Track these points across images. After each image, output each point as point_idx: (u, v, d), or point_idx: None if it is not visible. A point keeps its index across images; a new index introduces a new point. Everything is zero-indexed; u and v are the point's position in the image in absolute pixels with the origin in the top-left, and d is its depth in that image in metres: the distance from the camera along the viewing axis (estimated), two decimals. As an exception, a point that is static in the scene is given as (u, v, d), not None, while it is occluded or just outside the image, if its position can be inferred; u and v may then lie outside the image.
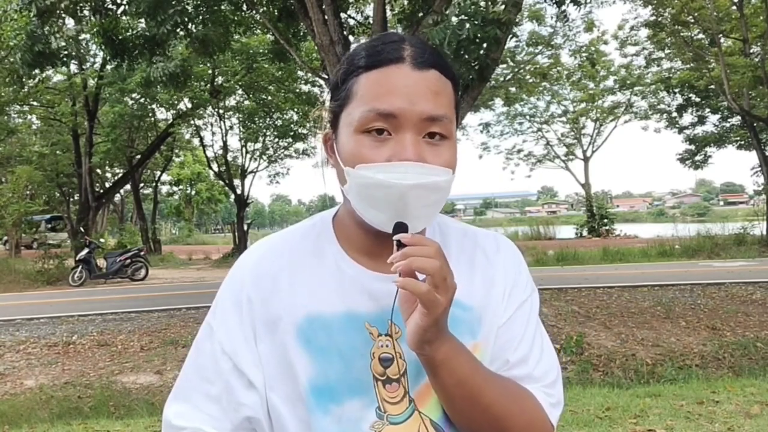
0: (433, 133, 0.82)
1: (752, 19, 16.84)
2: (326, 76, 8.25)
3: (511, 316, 0.91)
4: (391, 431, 0.84)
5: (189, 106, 20.94)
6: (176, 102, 20.85)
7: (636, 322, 7.88)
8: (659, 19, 17.89)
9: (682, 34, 18.23)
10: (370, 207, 0.81)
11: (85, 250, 15.06)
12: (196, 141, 27.08)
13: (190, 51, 10.26)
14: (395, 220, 0.79)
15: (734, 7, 16.86)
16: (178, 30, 8.83)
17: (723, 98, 18.14)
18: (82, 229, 18.71)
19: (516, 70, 21.31)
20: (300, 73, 18.78)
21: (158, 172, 31.53)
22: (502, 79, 20.74)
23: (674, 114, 25.36)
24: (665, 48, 20.70)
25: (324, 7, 7.43)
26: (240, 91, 21.33)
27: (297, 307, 0.87)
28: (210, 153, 25.23)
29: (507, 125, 30.49)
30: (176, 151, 29.58)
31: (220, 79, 20.03)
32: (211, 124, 24.41)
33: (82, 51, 16.75)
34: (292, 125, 22.61)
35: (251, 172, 25.41)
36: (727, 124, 24.07)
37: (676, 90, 23.20)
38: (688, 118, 25.06)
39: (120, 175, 25.73)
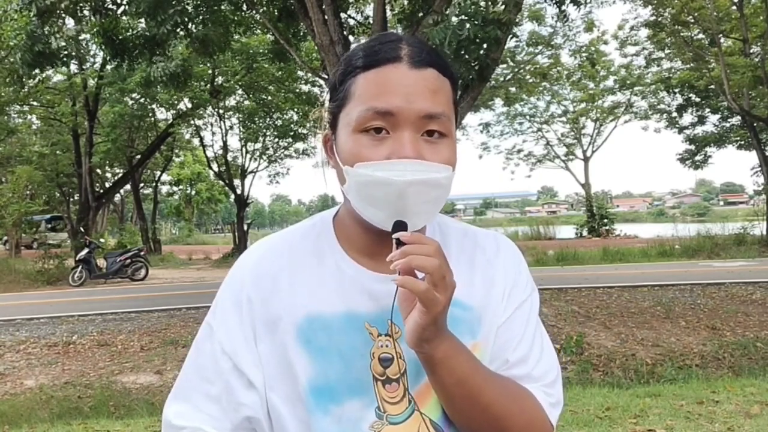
0: (432, 131, 0.82)
1: (752, 19, 16.84)
2: (326, 76, 8.25)
3: (511, 315, 0.91)
4: (391, 431, 0.85)
5: (189, 106, 20.94)
6: (176, 102, 20.85)
7: (636, 322, 7.88)
8: (659, 19, 17.89)
9: (682, 34, 18.23)
10: (369, 205, 0.81)
11: (85, 250, 15.07)
12: (196, 141, 27.10)
13: (190, 51, 10.26)
14: (395, 217, 0.79)
15: (734, 7, 16.86)
16: (178, 30, 8.83)
17: (723, 98, 18.14)
18: (82, 229, 18.71)
19: (516, 70, 21.32)
20: (300, 73, 18.79)
21: (158, 172, 31.54)
22: (502, 79, 20.74)
23: (674, 114, 25.36)
24: (665, 48, 20.70)
25: (324, 7, 7.43)
26: (240, 91, 21.34)
27: (297, 307, 0.87)
28: (210, 153, 25.27)
29: (507, 125, 30.53)
30: (176, 151, 29.58)
31: (220, 79, 20.03)
32: (211, 124, 24.44)
33: (82, 51, 16.74)
34: (292, 125, 22.61)
35: (251, 172, 25.43)
36: (727, 124, 24.07)
37: (676, 90, 23.20)
38: (688, 118, 25.10)
39: (120, 175, 25.74)
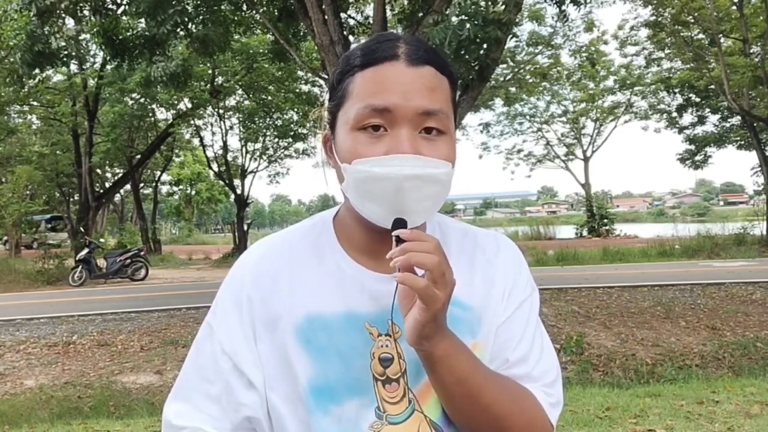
0: (430, 128, 0.82)
1: (752, 19, 16.84)
2: (326, 76, 8.25)
3: (511, 315, 0.91)
4: (390, 431, 0.84)
5: (189, 106, 20.94)
6: (176, 102, 20.84)
7: (636, 322, 7.88)
8: (659, 19, 17.90)
9: (682, 34, 18.23)
10: (367, 201, 0.81)
11: (85, 250, 15.06)
12: (196, 141, 27.10)
13: (190, 51, 10.26)
14: (393, 214, 0.78)
15: (734, 7, 16.86)
16: (178, 30, 8.83)
17: (723, 98, 18.14)
18: (82, 229, 18.71)
19: (516, 70, 21.31)
20: (300, 73, 18.79)
21: (158, 172, 31.53)
22: (502, 79, 20.73)
23: (674, 114, 25.37)
24: (665, 48, 20.69)
25: (324, 7, 7.43)
26: (240, 91, 21.34)
27: (297, 307, 0.87)
28: (210, 153, 25.27)
29: (507, 125, 30.52)
30: (176, 151, 29.57)
31: (220, 79, 20.03)
32: (211, 124, 24.44)
33: (82, 51, 16.74)
34: (292, 125, 22.61)
35: (251, 172, 25.43)
36: (727, 124, 24.07)
37: (676, 90, 23.21)
38: (688, 118, 25.10)
39: (120, 175, 25.73)
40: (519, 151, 32.16)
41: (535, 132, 31.62)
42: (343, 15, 9.12)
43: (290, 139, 23.66)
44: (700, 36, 18.57)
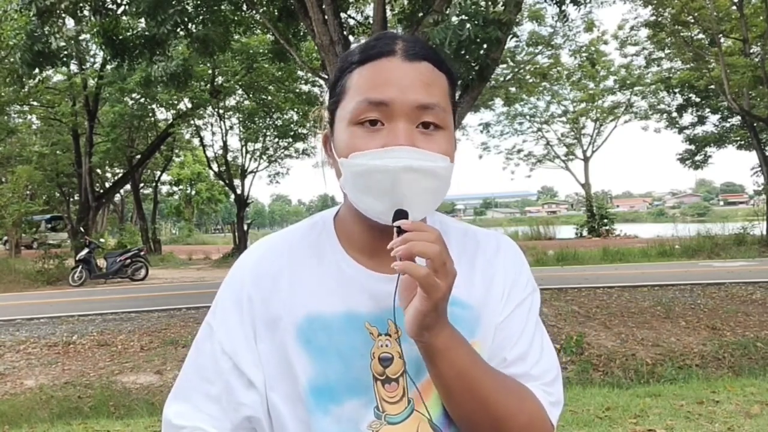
0: (428, 123, 0.82)
1: (752, 19, 16.84)
2: (326, 76, 8.25)
3: (510, 314, 0.91)
4: (389, 431, 0.84)
5: (189, 106, 20.94)
6: (176, 102, 20.84)
7: (636, 322, 7.87)
8: (659, 19, 17.90)
9: (682, 34, 18.23)
10: (365, 196, 0.81)
11: (85, 250, 15.07)
12: (196, 141, 27.10)
13: (190, 51, 10.26)
14: (391, 208, 0.78)
15: (734, 7, 16.86)
16: (178, 30, 8.83)
17: (723, 98, 18.14)
18: (82, 229, 18.71)
19: (516, 70, 21.31)
20: (300, 73, 18.79)
21: (158, 172, 31.53)
22: (502, 79, 20.73)
23: (674, 114, 25.37)
24: (665, 48, 20.69)
25: (324, 7, 7.43)
26: (240, 91, 21.34)
27: (297, 306, 0.87)
28: (210, 153, 25.28)
29: (507, 125, 30.52)
30: (176, 151, 29.58)
31: (220, 79, 20.03)
32: (211, 124, 24.44)
33: (82, 51, 16.74)
34: (292, 125, 22.62)
35: (251, 172, 25.43)
36: (727, 124, 24.07)
37: (676, 90, 23.21)
38: (688, 118, 25.10)
39: (120, 175, 25.74)
40: (519, 151, 32.19)
41: (535, 132, 31.65)
42: (343, 15, 9.12)
43: (290, 139, 23.67)
44: (700, 36, 18.57)
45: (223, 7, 9.57)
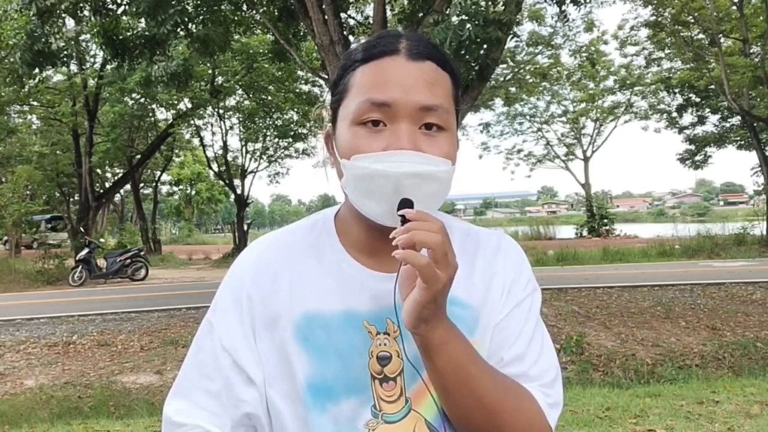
0: (430, 124, 0.81)
1: (752, 19, 16.84)
2: (326, 76, 8.25)
3: (509, 314, 0.90)
4: (386, 430, 0.84)
5: (189, 106, 20.95)
6: (176, 102, 20.85)
7: (636, 322, 7.87)
8: (659, 19, 17.90)
9: (682, 34, 18.24)
10: (366, 199, 0.80)
11: (85, 250, 15.06)
12: (196, 141, 27.11)
13: (191, 51, 10.26)
14: (392, 211, 0.78)
15: (734, 7, 16.86)
16: (178, 30, 8.83)
17: (723, 98, 18.14)
18: (82, 229, 18.71)
19: (516, 70, 21.32)
20: (300, 73, 18.80)
21: (158, 172, 31.54)
22: (502, 79, 20.74)
23: (674, 114, 25.37)
24: (665, 48, 20.70)
25: (324, 7, 7.43)
26: (240, 91, 21.34)
27: (296, 305, 0.87)
28: (210, 153, 25.30)
29: (507, 125, 30.53)
30: (176, 151, 29.58)
31: (220, 79, 20.03)
32: (211, 124, 24.46)
33: (82, 51, 16.74)
34: (292, 125, 22.62)
35: (251, 172, 25.43)
36: (727, 124, 24.08)
37: (676, 90, 23.21)
38: (688, 118, 25.11)
39: (120, 175, 25.74)
40: (519, 151, 32.19)
41: (535, 132, 31.66)
42: (343, 15, 9.13)
43: (290, 139, 23.68)
44: (700, 36, 18.57)
45: (223, 7, 9.57)
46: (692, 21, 17.52)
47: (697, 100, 23.27)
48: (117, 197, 32.90)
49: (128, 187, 26.38)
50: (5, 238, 22.30)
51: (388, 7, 8.74)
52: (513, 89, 22.76)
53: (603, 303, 8.90)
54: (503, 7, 6.88)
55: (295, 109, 21.38)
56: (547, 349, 0.91)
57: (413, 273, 0.75)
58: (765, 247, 16.48)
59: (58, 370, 6.93)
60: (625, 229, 29.37)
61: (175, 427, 0.87)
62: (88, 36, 11.74)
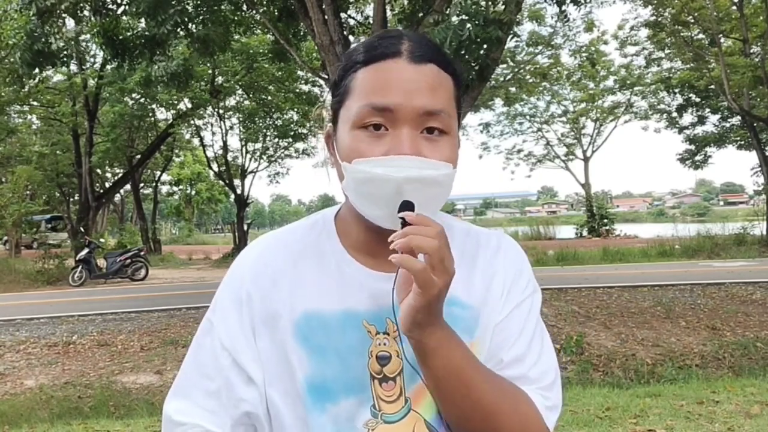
0: (432, 128, 0.81)
1: (752, 19, 16.85)
2: (326, 76, 8.25)
3: (508, 314, 0.90)
4: (385, 430, 0.84)
5: (189, 106, 20.95)
6: (176, 102, 20.85)
7: (636, 322, 7.87)
8: (659, 19, 17.90)
9: (682, 34, 18.24)
10: (367, 202, 0.80)
11: (85, 250, 15.06)
12: (196, 141, 27.11)
13: (191, 51, 10.26)
14: (392, 214, 0.77)
15: (734, 7, 16.86)
16: (178, 30, 8.83)
17: (723, 98, 18.14)
18: (82, 229, 18.71)
19: (516, 70, 21.31)
20: (300, 73, 18.80)
21: (158, 172, 31.54)
22: (502, 79, 20.74)
23: (674, 114, 25.38)
24: (665, 48, 20.70)
25: (324, 7, 7.43)
26: (240, 91, 21.35)
27: (295, 304, 0.87)
28: (210, 153, 25.30)
29: (507, 125, 30.54)
30: (176, 151, 29.58)
31: (220, 79, 20.04)
32: (211, 124, 24.46)
33: (82, 51, 16.74)
34: (292, 125, 22.63)
35: (251, 172, 25.44)
36: (727, 124, 24.08)
37: (676, 90, 23.22)
38: (688, 118, 25.11)
39: (120, 175, 25.74)
40: (519, 151, 32.19)
41: (535, 132, 31.66)
42: (343, 15, 9.13)
43: (290, 139, 23.69)
44: (700, 36, 18.57)
45: (223, 7, 9.57)
46: (692, 21, 17.52)
47: (697, 100, 23.28)
48: (117, 197, 32.91)
49: (128, 187, 26.39)
50: (5, 238, 22.31)
51: (388, 7, 8.74)
52: (513, 89, 22.76)
53: (603, 303, 8.90)
54: (503, 7, 6.88)
55: (295, 109, 21.38)
56: (546, 351, 0.91)
57: (411, 276, 0.74)
58: (765, 247, 16.48)
59: (58, 370, 6.93)
60: (625, 229, 29.37)
61: (174, 426, 0.87)
62: (88, 36, 11.74)
